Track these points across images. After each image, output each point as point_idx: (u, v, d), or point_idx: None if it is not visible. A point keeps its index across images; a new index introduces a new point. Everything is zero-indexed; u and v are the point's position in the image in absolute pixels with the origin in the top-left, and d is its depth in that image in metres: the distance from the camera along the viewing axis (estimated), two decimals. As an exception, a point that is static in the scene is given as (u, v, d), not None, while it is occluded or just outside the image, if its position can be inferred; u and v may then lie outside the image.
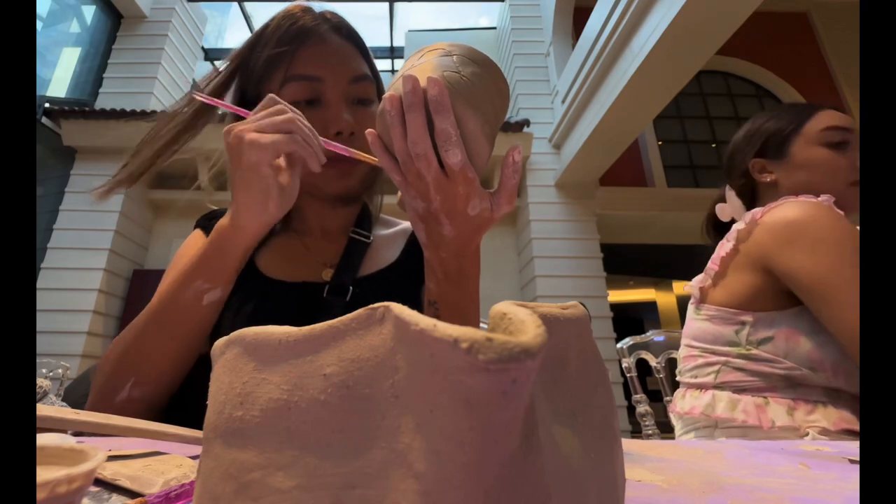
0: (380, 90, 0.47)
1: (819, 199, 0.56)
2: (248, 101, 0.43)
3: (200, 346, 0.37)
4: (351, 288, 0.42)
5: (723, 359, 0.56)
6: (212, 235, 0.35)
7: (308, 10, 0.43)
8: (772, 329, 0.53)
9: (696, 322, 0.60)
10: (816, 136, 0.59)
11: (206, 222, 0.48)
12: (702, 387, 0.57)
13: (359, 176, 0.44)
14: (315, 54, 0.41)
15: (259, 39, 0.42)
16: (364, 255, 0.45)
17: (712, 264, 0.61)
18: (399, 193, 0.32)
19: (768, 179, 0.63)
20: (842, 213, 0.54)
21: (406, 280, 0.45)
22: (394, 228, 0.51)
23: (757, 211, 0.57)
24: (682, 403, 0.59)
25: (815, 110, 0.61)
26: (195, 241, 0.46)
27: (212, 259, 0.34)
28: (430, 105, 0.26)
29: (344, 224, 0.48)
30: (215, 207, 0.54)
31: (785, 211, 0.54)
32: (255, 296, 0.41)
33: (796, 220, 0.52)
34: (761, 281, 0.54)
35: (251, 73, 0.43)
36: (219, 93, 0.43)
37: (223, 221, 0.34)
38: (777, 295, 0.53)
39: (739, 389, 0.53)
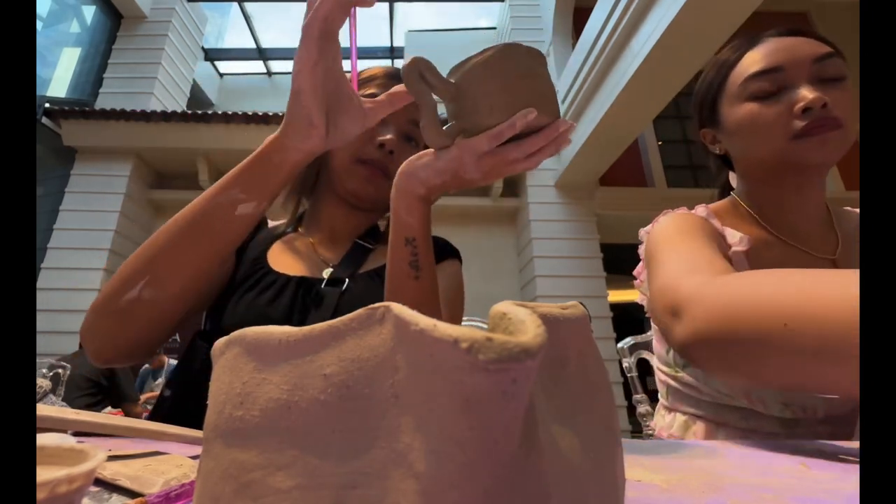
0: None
1: (695, 210, 0.47)
2: None
3: (220, 262, 0.37)
4: (347, 280, 0.44)
5: (664, 378, 0.51)
6: (259, 148, 0.35)
7: (396, 74, 0.50)
8: None
9: (653, 336, 0.55)
10: (739, 91, 0.44)
11: None
12: (665, 406, 0.52)
13: (382, 189, 0.47)
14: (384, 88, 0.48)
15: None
16: (365, 258, 0.49)
17: (638, 274, 0.53)
18: (422, 125, 0.31)
19: (718, 151, 0.50)
20: (712, 222, 0.44)
21: None
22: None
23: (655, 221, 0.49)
24: (657, 418, 0.55)
25: (742, 54, 0.45)
26: None
27: (253, 169, 0.34)
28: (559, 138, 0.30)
29: (353, 231, 0.51)
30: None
31: (654, 229, 0.46)
32: (257, 285, 0.43)
33: (650, 241, 0.44)
34: None
35: None
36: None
37: (273, 135, 0.35)
38: None
39: (693, 416, 0.47)
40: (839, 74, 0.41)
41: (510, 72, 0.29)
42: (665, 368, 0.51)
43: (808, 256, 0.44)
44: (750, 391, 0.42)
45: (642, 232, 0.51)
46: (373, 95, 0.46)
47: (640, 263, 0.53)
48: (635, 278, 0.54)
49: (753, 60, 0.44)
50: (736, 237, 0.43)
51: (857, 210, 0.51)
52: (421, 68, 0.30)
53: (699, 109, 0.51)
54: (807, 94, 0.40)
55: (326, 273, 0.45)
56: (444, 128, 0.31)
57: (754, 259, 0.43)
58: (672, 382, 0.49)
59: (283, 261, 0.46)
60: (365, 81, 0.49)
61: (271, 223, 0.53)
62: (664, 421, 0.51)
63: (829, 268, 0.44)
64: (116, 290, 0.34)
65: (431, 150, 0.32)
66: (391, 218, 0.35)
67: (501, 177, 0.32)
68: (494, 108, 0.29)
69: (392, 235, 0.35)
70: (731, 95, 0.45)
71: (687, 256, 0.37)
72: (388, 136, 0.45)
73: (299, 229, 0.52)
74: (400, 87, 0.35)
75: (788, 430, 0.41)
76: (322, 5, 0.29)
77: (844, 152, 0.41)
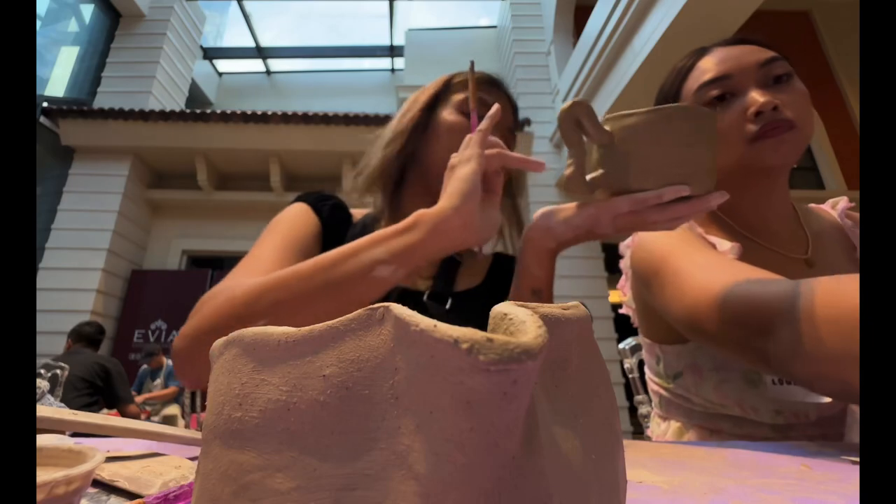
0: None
1: None
2: (429, 119, 0.48)
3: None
4: (450, 299, 0.45)
5: (655, 388, 0.52)
6: (412, 218, 0.33)
7: (498, 79, 0.51)
8: (679, 363, 0.47)
9: (643, 346, 0.55)
10: (694, 100, 0.45)
11: (319, 201, 0.49)
12: (659, 415, 0.53)
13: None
14: (492, 94, 0.48)
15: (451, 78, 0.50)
16: (457, 272, 0.49)
17: (621, 288, 0.54)
18: (568, 173, 0.32)
19: None
20: (693, 231, 0.44)
21: (493, 300, 0.47)
22: (474, 253, 0.54)
23: (635, 234, 0.49)
24: (653, 425, 0.56)
25: (694, 63, 0.47)
26: (298, 214, 0.46)
27: (400, 239, 0.33)
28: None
29: None
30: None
31: (641, 242, 0.46)
32: None
33: (645, 255, 0.45)
34: (651, 310, 0.46)
35: (445, 93, 0.49)
36: (419, 121, 0.48)
37: (430, 211, 0.33)
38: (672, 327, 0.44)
39: (686, 423, 0.47)
40: (787, 73, 0.42)
41: (672, 139, 0.28)
42: (656, 379, 0.51)
43: (784, 258, 0.44)
44: (742, 400, 0.42)
45: (623, 246, 0.51)
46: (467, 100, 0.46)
47: (623, 277, 0.53)
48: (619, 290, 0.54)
49: (704, 70, 0.45)
50: (726, 246, 0.43)
51: (822, 206, 0.51)
52: (578, 114, 0.29)
53: None
54: (757, 97, 0.41)
55: (422, 284, 0.46)
56: (588, 177, 0.31)
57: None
58: (664, 393, 0.50)
59: None
60: (485, 85, 0.48)
61: (354, 214, 0.51)
62: (659, 429, 0.52)
63: (803, 267, 0.44)
64: (229, 325, 0.32)
65: (569, 205, 0.33)
66: (517, 267, 0.36)
67: (633, 231, 0.32)
68: (647, 172, 0.28)
69: (519, 284, 0.36)
70: (687, 102, 0.47)
71: (721, 265, 0.36)
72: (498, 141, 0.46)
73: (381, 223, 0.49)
74: (491, 118, 0.34)
75: (781, 434, 0.41)
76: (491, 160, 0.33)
77: (801, 152, 0.42)
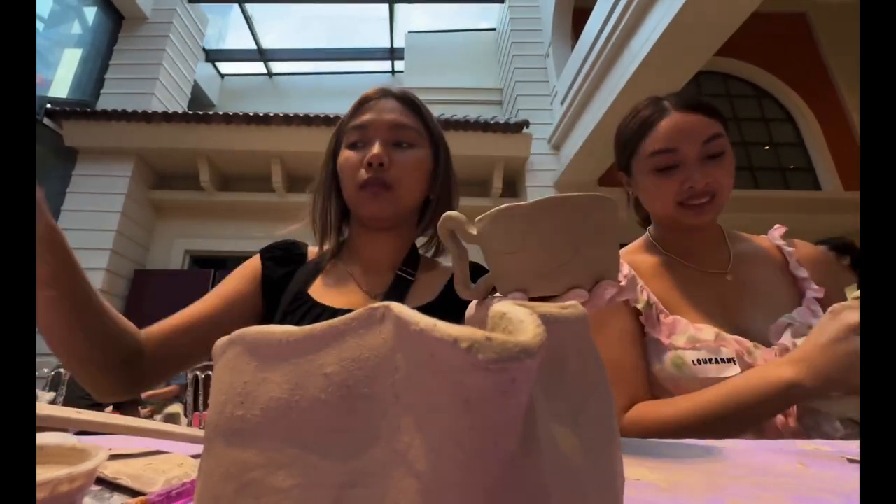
0: (434, 140, 0.54)
1: None
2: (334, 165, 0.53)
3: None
4: None
5: None
6: None
7: (381, 89, 0.53)
8: None
9: None
10: (645, 161, 0.54)
11: (271, 249, 0.55)
12: None
13: (392, 202, 0.49)
14: (367, 111, 0.51)
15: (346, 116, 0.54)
16: (408, 291, 0.51)
17: None
18: (455, 279, 0.32)
19: (631, 193, 0.60)
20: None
21: (445, 317, 0.50)
22: (434, 270, 0.56)
23: None
24: None
25: (652, 125, 0.53)
26: (243, 265, 0.54)
27: None
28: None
29: (392, 261, 0.53)
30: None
31: None
32: (305, 319, 0.46)
33: None
34: None
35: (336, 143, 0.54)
36: (332, 172, 0.54)
37: None
38: None
39: None
40: (721, 151, 0.51)
41: (499, 244, 0.27)
42: None
43: (704, 273, 0.54)
44: (677, 384, 0.50)
45: None
46: (363, 126, 0.50)
47: None
48: None
49: (656, 138, 0.53)
50: (624, 270, 0.53)
51: (761, 236, 0.60)
52: (450, 226, 0.30)
53: (619, 154, 0.60)
54: (694, 174, 0.50)
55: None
56: (475, 283, 0.31)
57: (662, 279, 0.54)
58: None
59: (326, 294, 0.50)
60: (359, 107, 0.51)
61: (311, 252, 0.56)
62: None
63: (722, 281, 0.53)
64: None
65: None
66: None
67: None
68: (499, 276, 0.28)
69: None
70: (640, 160, 0.55)
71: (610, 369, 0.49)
72: (374, 152, 0.47)
73: (339, 260, 0.54)
74: None
75: None
76: None
77: (718, 212, 0.53)
